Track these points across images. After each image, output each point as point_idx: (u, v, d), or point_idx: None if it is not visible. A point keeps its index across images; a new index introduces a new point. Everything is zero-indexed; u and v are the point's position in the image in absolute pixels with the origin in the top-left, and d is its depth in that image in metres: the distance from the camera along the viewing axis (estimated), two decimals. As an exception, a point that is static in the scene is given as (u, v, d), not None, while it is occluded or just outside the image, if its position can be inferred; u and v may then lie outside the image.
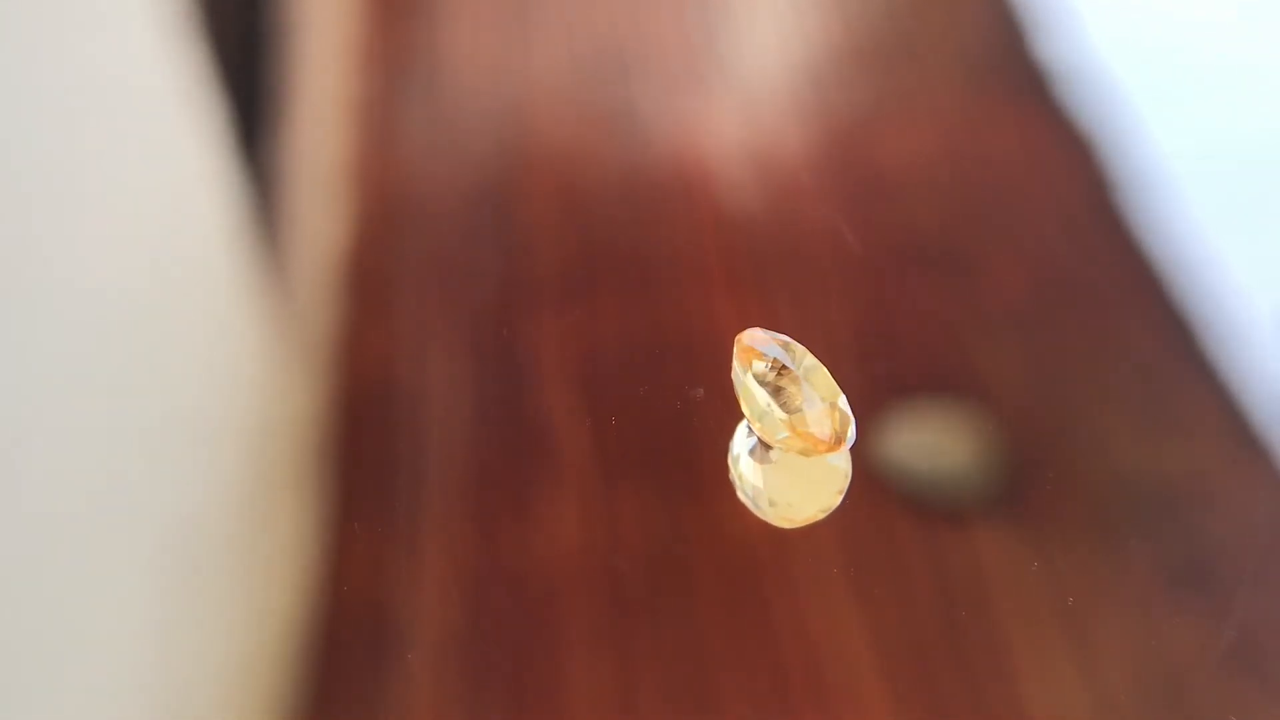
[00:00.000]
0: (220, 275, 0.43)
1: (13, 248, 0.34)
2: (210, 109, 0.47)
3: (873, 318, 0.42)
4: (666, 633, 0.34)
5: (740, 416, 0.30)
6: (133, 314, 0.38)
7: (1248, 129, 0.48)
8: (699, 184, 0.47)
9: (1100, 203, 0.46)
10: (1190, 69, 0.51)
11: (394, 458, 0.38)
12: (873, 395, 0.38)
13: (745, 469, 0.30)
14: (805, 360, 0.28)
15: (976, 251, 0.44)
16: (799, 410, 0.28)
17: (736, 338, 0.29)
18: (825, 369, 0.28)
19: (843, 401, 0.28)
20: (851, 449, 0.29)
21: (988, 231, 0.45)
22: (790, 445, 0.28)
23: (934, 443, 0.37)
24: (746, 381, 0.28)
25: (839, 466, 0.29)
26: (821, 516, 0.29)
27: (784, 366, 0.28)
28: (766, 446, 0.29)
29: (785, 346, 0.28)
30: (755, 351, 0.28)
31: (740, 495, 0.29)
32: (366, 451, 0.38)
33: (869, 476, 0.36)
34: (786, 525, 0.29)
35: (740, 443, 0.30)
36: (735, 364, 0.29)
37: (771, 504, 0.29)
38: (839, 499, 0.29)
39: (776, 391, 0.28)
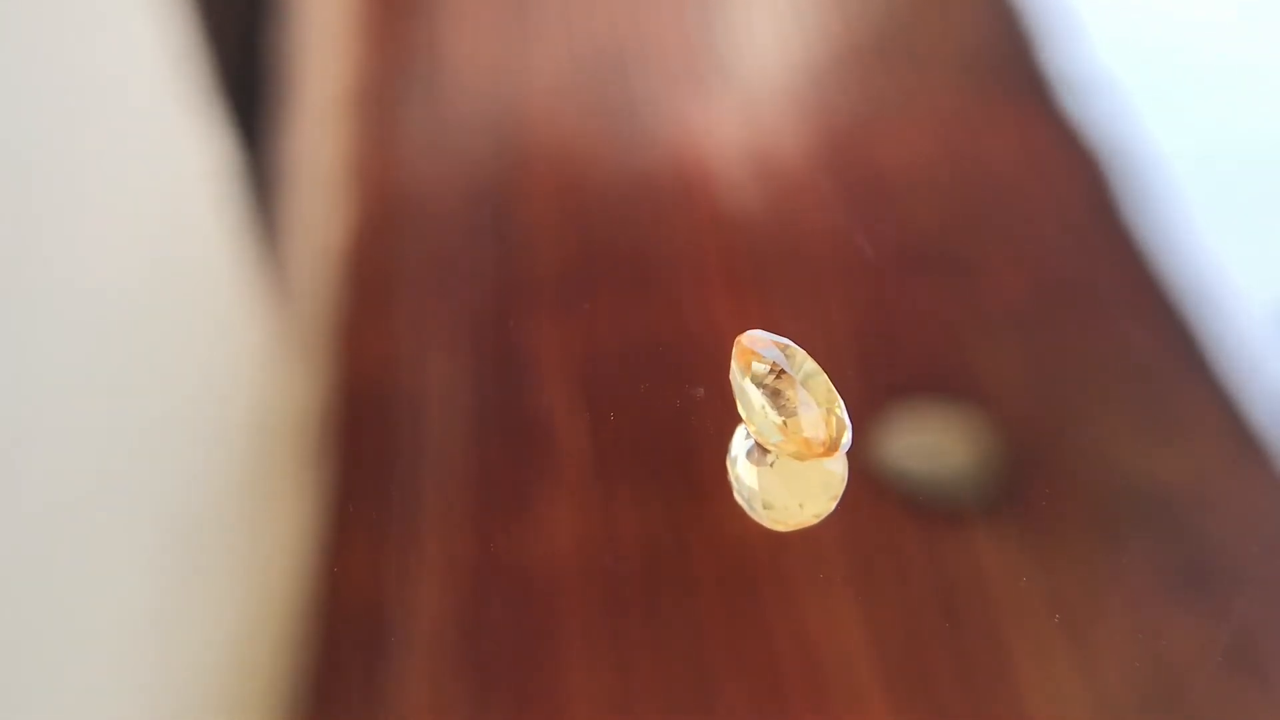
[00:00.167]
0: (220, 275, 0.43)
1: (13, 248, 0.34)
2: (210, 108, 0.47)
3: (872, 318, 0.42)
4: (665, 633, 0.34)
5: (740, 418, 0.30)
6: (132, 314, 0.38)
7: (1248, 130, 0.48)
8: (699, 184, 0.47)
9: (1100, 204, 0.46)
10: (1190, 70, 0.51)
11: (393, 457, 0.38)
12: (872, 396, 0.38)
13: (742, 471, 0.30)
14: (805, 365, 0.28)
15: (976, 252, 0.44)
16: (794, 414, 0.28)
17: (736, 339, 0.29)
18: (825, 375, 0.28)
19: (840, 408, 0.28)
20: (851, 449, 0.29)
21: (987, 232, 0.45)
22: (784, 449, 0.28)
23: (933, 444, 0.37)
24: (743, 384, 0.28)
25: (835, 472, 0.29)
26: (815, 522, 0.29)
27: (782, 370, 0.28)
28: (764, 449, 0.29)
29: (785, 350, 0.28)
30: (754, 354, 0.28)
31: (736, 497, 0.29)
32: (366, 451, 0.38)
33: (868, 477, 0.36)
34: (780, 529, 0.29)
35: (738, 444, 0.30)
36: (733, 365, 0.29)
37: (766, 507, 0.29)
38: (833, 505, 0.29)
39: (773, 395, 0.28)
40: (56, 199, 0.37)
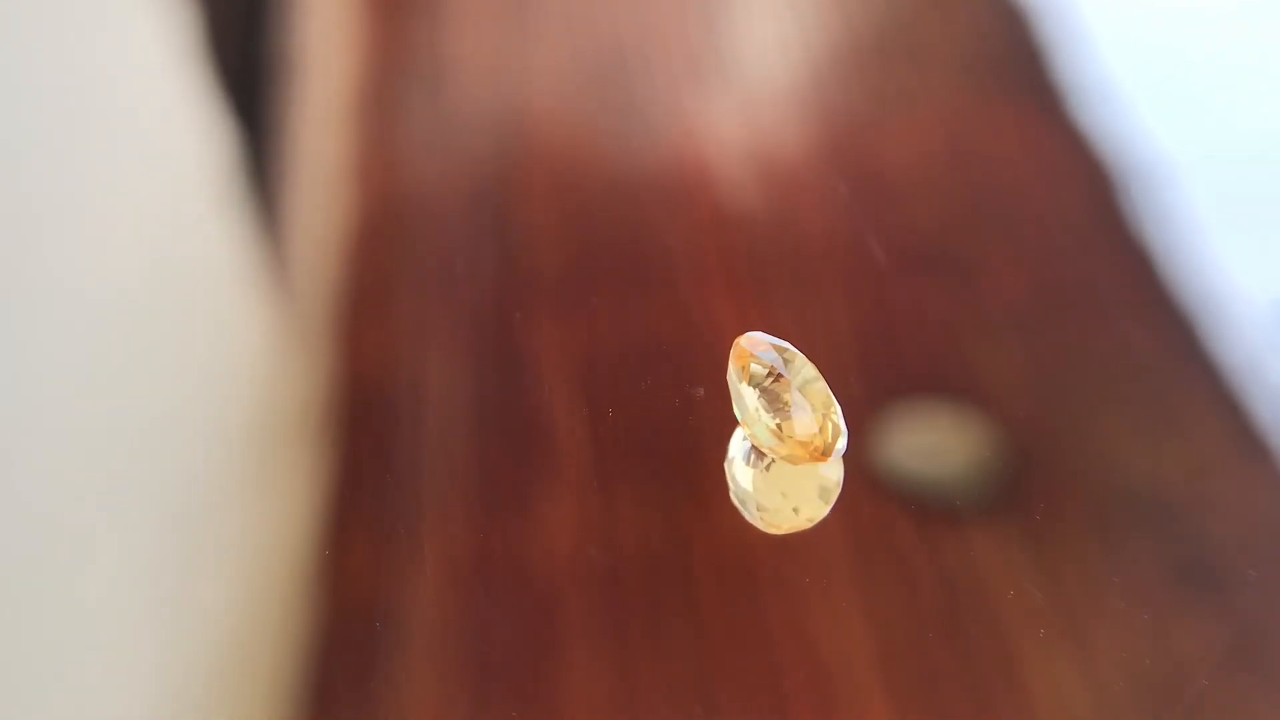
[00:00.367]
0: (221, 274, 0.43)
1: (13, 247, 0.34)
2: (211, 108, 0.47)
3: (873, 318, 0.42)
4: (666, 633, 0.34)
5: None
6: (133, 313, 0.38)
7: (1249, 130, 0.48)
8: (699, 183, 0.47)
9: (1101, 204, 0.46)
10: (1191, 69, 0.51)
11: (393, 456, 0.38)
12: (873, 396, 0.38)
13: (738, 472, 0.30)
14: (804, 371, 0.28)
15: (976, 252, 0.44)
16: (789, 418, 0.28)
17: (735, 341, 0.29)
18: (824, 381, 0.28)
19: (837, 414, 0.28)
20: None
21: (988, 232, 0.45)
22: (777, 452, 0.28)
23: (934, 444, 0.37)
24: (739, 386, 0.28)
25: (830, 477, 0.29)
26: (808, 526, 0.29)
27: (779, 374, 0.28)
28: (760, 452, 0.29)
29: (784, 354, 0.28)
30: (752, 355, 0.28)
31: (732, 498, 0.29)
32: (366, 450, 0.38)
33: (869, 478, 0.36)
34: (773, 532, 0.29)
35: (736, 446, 0.30)
36: (731, 367, 0.29)
37: (760, 509, 0.29)
38: (826, 510, 0.29)
39: (769, 398, 0.28)
40: (57, 199, 0.37)
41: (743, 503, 0.29)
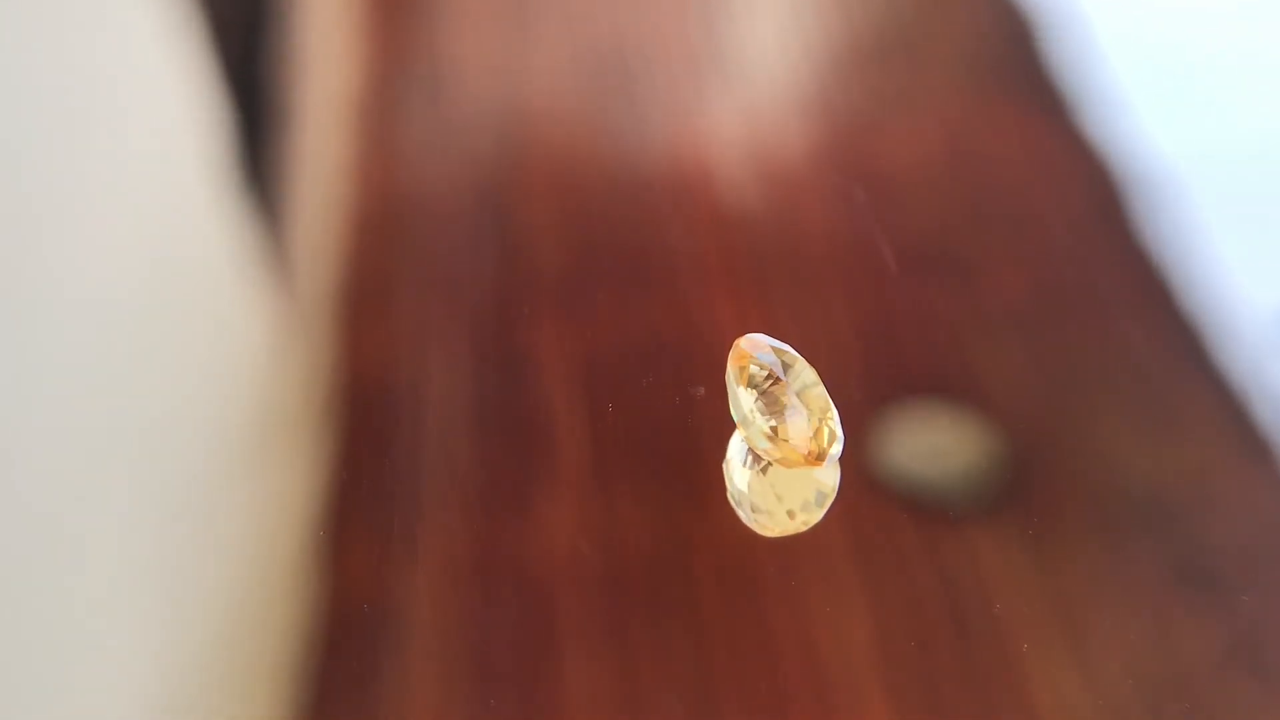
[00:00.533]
0: (221, 274, 0.43)
1: (14, 247, 0.34)
2: (212, 109, 0.47)
3: (873, 318, 0.42)
4: (666, 632, 0.34)
5: (738, 419, 0.30)
6: (133, 314, 0.38)
7: (1250, 130, 0.48)
8: (700, 183, 0.47)
9: (1102, 203, 0.46)
10: (1192, 69, 0.51)
11: (394, 456, 0.38)
12: (873, 396, 0.38)
13: (735, 474, 0.30)
14: (804, 375, 0.28)
15: (977, 252, 0.44)
16: (784, 421, 0.27)
17: (735, 342, 0.29)
18: (823, 387, 0.28)
19: (834, 420, 0.28)
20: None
21: (988, 232, 0.45)
22: (771, 455, 0.28)
23: (935, 445, 0.37)
24: (736, 388, 0.28)
25: (825, 482, 0.29)
26: (803, 529, 0.29)
27: (777, 377, 0.28)
28: (758, 454, 0.29)
29: (783, 357, 0.28)
30: (750, 357, 0.28)
31: (729, 498, 0.29)
32: (366, 449, 0.38)
33: (870, 478, 0.36)
34: (767, 534, 0.29)
35: (735, 447, 0.30)
36: (729, 367, 0.29)
37: (755, 510, 0.29)
38: (821, 514, 0.29)
39: (765, 400, 0.28)
40: (57, 199, 0.37)
41: (738, 504, 0.29)
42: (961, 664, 0.33)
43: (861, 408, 0.37)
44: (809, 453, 0.28)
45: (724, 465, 0.30)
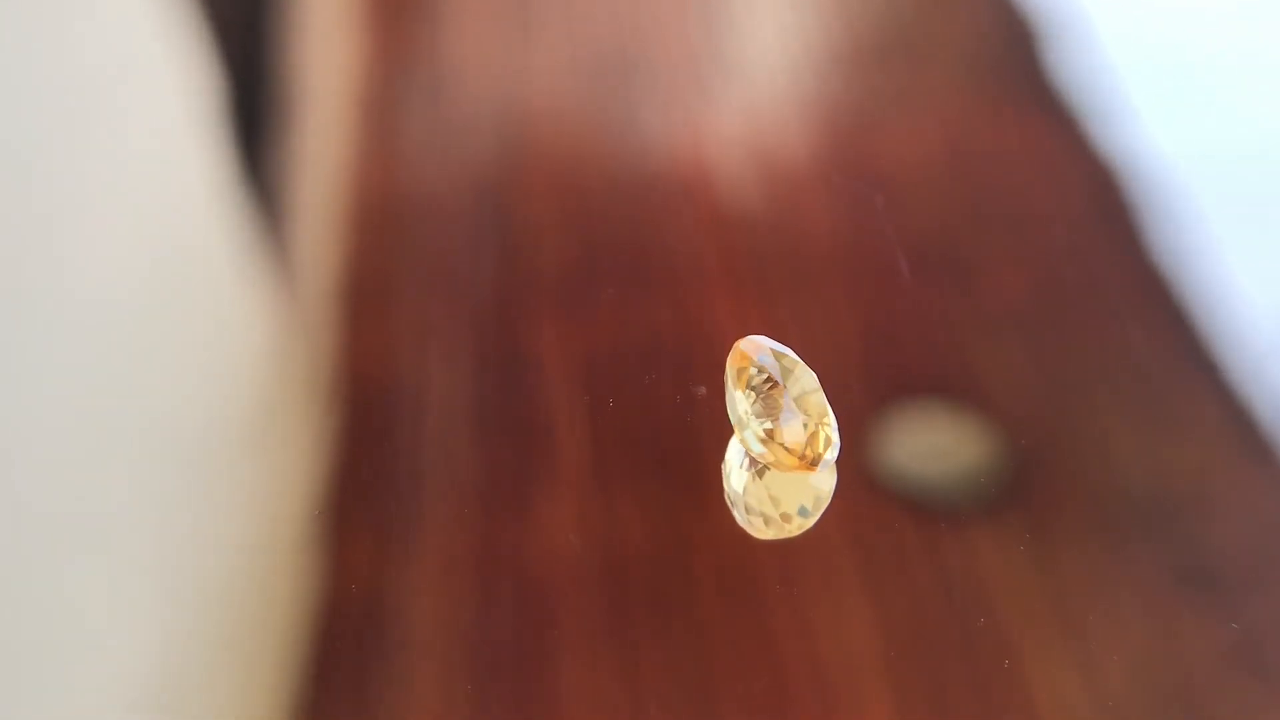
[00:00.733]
0: (221, 275, 0.43)
1: (14, 247, 0.34)
2: (212, 109, 0.47)
3: (873, 318, 0.41)
4: (666, 632, 0.34)
5: (736, 421, 0.30)
6: (133, 314, 0.38)
7: (1251, 129, 0.48)
8: (700, 183, 0.47)
9: (1102, 203, 0.46)
10: (1194, 68, 0.51)
11: (394, 456, 0.38)
12: (874, 396, 0.38)
13: (732, 475, 0.30)
14: (804, 380, 0.28)
15: (977, 252, 0.44)
16: (779, 424, 0.27)
17: (735, 344, 0.29)
18: (822, 393, 0.28)
19: (830, 425, 0.28)
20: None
21: (988, 232, 0.45)
22: (765, 458, 0.28)
23: (935, 445, 0.37)
24: (733, 390, 0.28)
25: (821, 487, 0.29)
26: (796, 534, 0.29)
27: (775, 380, 0.28)
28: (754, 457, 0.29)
29: (783, 360, 0.28)
30: (749, 359, 0.28)
31: (726, 499, 0.29)
32: (366, 450, 0.38)
33: (870, 478, 0.36)
34: (761, 537, 0.29)
35: (733, 448, 0.30)
36: (727, 369, 0.29)
37: (749, 512, 0.29)
38: (815, 519, 0.29)
39: (762, 403, 0.28)
40: (58, 198, 0.37)
41: (734, 505, 0.30)
42: (962, 663, 0.33)
43: (862, 408, 0.37)
44: (803, 457, 0.28)
45: (722, 466, 0.30)
